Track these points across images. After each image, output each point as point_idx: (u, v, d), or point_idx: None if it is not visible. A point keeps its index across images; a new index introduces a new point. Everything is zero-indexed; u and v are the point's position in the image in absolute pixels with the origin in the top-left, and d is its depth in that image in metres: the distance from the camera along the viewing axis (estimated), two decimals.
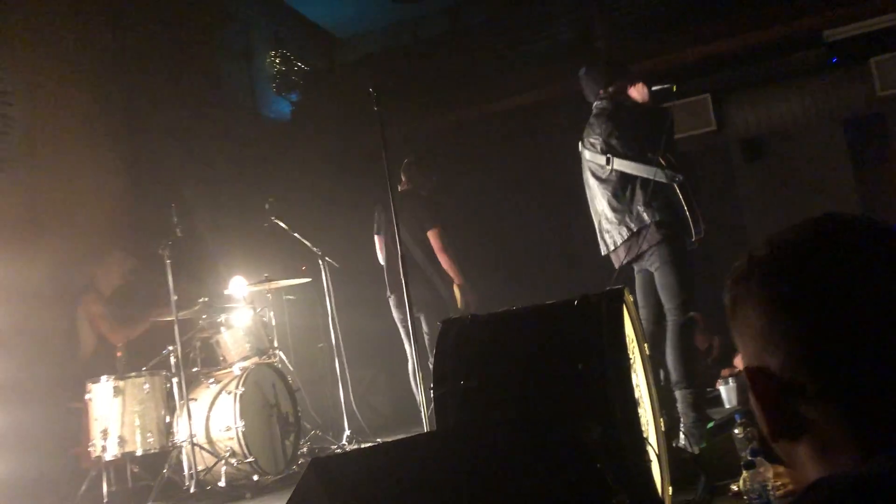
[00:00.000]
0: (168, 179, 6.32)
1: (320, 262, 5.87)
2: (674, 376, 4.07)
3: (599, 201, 4.30)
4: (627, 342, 2.52)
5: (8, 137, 5.65)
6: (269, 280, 5.57)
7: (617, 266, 4.24)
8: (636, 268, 4.32)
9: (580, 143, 4.40)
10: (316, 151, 8.23)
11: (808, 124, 7.62)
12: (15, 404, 4.66)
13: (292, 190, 7.16)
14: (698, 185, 8.16)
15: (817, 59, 7.66)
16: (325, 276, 5.88)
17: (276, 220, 5.79)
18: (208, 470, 4.69)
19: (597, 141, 4.27)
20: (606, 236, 4.29)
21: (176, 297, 4.79)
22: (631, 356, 2.50)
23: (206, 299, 5.17)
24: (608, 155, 4.22)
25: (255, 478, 4.72)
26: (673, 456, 2.99)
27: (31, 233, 5.58)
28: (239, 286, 5.57)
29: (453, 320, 2.79)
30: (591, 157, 4.31)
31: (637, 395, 2.48)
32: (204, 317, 5.16)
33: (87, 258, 5.46)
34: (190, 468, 4.63)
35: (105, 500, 4.57)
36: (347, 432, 5.68)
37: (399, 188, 5.53)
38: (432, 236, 5.31)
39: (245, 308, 5.41)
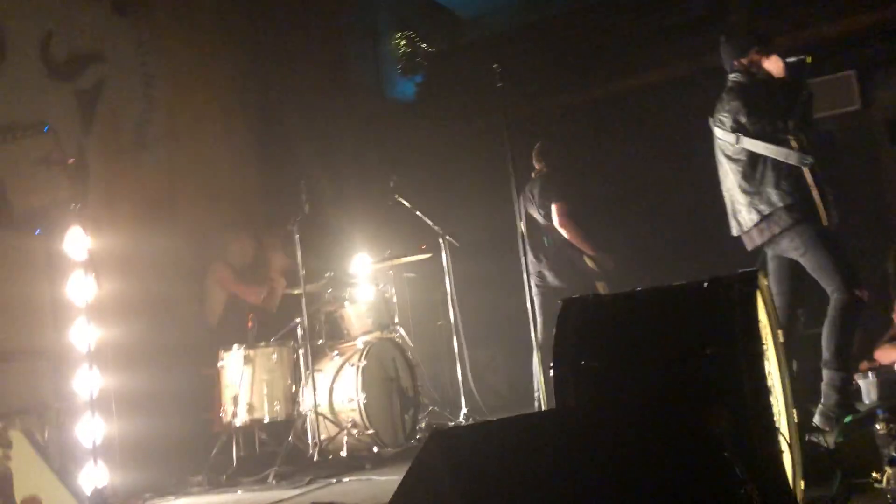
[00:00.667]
0: (297, 158, 6.53)
1: (441, 240, 5.92)
2: (825, 354, 3.90)
3: (730, 180, 4.14)
4: (760, 328, 2.40)
5: (152, 118, 5.99)
6: (391, 257, 5.67)
7: (750, 248, 4.06)
8: (769, 252, 4.12)
9: (710, 119, 4.23)
10: (439, 132, 8.28)
11: None
12: (153, 369, 4.94)
13: (415, 169, 7.24)
14: (840, 167, 7.70)
15: None
16: (446, 254, 5.93)
17: (399, 199, 5.88)
18: (331, 439, 4.84)
19: (726, 118, 4.10)
20: (738, 217, 4.13)
21: (304, 272, 4.95)
22: (764, 343, 2.38)
23: (332, 274, 5.32)
24: (737, 133, 4.05)
25: (375, 449, 4.84)
26: (806, 449, 2.84)
27: (169, 209, 5.91)
28: (362, 262, 5.70)
29: (574, 299, 2.74)
30: (721, 134, 4.15)
31: (769, 383, 2.36)
32: (329, 291, 5.32)
33: (221, 231, 5.72)
34: (314, 437, 4.79)
35: (234, 464, 4.80)
36: (464, 410, 5.73)
37: (532, 174, 5.67)
38: (555, 211, 5.42)
39: (368, 284, 5.53)
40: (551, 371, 2.59)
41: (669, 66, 7.49)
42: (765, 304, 2.60)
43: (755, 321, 2.37)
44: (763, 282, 2.60)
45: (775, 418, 2.33)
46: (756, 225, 4.01)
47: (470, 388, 5.81)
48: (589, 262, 5.44)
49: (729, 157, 4.12)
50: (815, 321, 5.81)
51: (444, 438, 2.16)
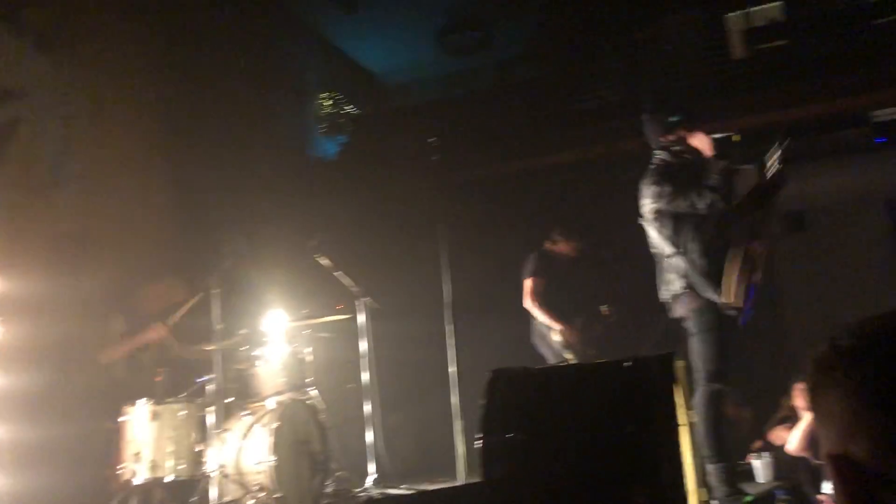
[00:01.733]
0: (217, 210, 6.46)
1: (360, 301, 5.93)
2: (704, 449, 4.01)
3: (656, 249, 4.35)
4: (676, 408, 2.53)
5: (67, 158, 5.84)
6: (308, 317, 5.63)
7: (670, 316, 4.28)
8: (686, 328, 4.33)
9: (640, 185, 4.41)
10: (360, 193, 8.36)
11: (851, 201, 7.61)
12: (52, 420, 4.72)
13: (336, 229, 7.26)
14: None
15: (864, 137, 7.68)
16: (363, 315, 5.93)
17: (320, 258, 5.88)
18: (235, 502, 4.70)
19: (646, 201, 4.31)
20: (663, 286, 4.33)
21: (220, 327, 4.86)
22: (679, 422, 2.51)
23: (247, 331, 5.24)
24: (654, 216, 4.26)
25: None
26: None
27: (80, 252, 5.71)
28: (278, 321, 5.63)
29: (502, 371, 2.82)
30: (643, 206, 4.33)
31: (684, 462, 2.48)
32: (243, 348, 5.22)
33: (137, 281, 5.56)
34: (218, 499, 4.64)
35: None
36: (374, 476, 5.67)
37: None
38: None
39: (282, 343, 5.46)
40: (476, 443, 2.64)
41: (586, 146, 7.84)
42: (680, 384, 2.74)
43: (672, 401, 2.50)
44: (679, 363, 2.74)
45: (688, 497, 2.45)
46: (674, 297, 4.23)
47: (379, 452, 5.76)
48: (555, 336, 5.86)
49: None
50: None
51: None
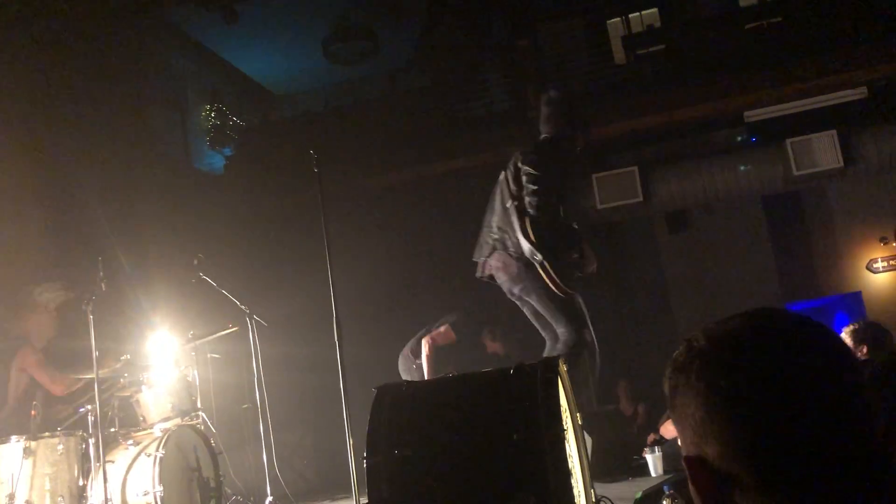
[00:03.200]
0: (93, 230, 6.15)
1: (248, 319, 5.75)
2: None
3: None
4: (561, 412, 2.54)
5: None
6: (195, 338, 5.42)
7: None
8: None
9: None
10: (247, 207, 8.15)
11: (729, 199, 7.96)
12: None
13: (222, 245, 7.04)
14: (624, 254, 8.40)
15: (739, 137, 8.06)
16: (252, 334, 5.76)
17: (204, 277, 5.67)
18: None
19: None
20: None
21: (97, 354, 4.61)
22: (564, 426, 2.52)
23: (128, 357, 4.99)
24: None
25: None
26: None
27: None
28: (162, 343, 5.40)
29: (387, 386, 2.77)
30: None
31: (570, 465, 2.49)
32: (125, 375, 4.98)
33: (12, 308, 5.23)
34: None
35: None
36: (270, 498, 5.50)
37: None
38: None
39: (168, 366, 5.23)
40: (364, 461, 2.58)
41: (475, 153, 7.91)
42: (564, 388, 2.76)
43: (557, 406, 2.51)
44: (563, 367, 2.76)
45: (576, 499, 2.45)
46: None
47: (276, 473, 5.60)
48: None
49: None
50: (609, 398, 6.21)
51: None
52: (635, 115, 7.77)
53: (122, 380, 4.98)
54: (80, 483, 4.61)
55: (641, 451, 5.46)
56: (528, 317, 4.73)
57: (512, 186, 4.58)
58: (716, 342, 0.91)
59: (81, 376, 4.87)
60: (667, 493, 2.83)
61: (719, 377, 0.88)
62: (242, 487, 5.73)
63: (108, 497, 4.46)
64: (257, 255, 7.43)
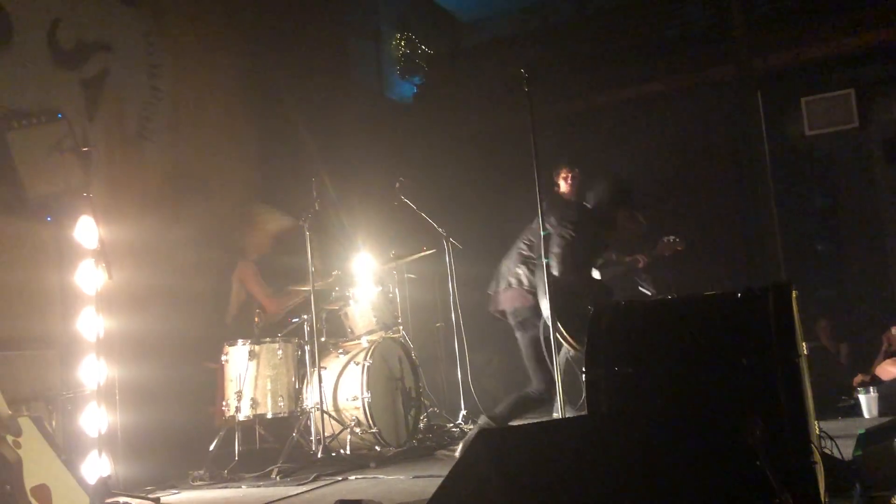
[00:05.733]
0: (300, 155, 6.51)
1: (444, 242, 5.94)
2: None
3: None
4: (797, 338, 2.44)
5: (155, 109, 5.94)
6: (395, 258, 5.67)
7: None
8: None
9: None
10: (439, 134, 8.30)
11: None
12: (157, 361, 4.91)
13: (416, 170, 7.25)
14: (835, 184, 7.80)
15: None
16: (448, 256, 5.94)
17: (405, 199, 5.89)
18: (334, 437, 4.83)
19: None
20: None
21: (313, 269, 4.94)
22: (800, 353, 2.42)
23: (338, 272, 5.31)
24: None
25: (377, 448, 4.84)
26: (824, 461, 2.88)
27: (172, 200, 5.85)
28: (366, 262, 5.69)
29: (605, 305, 2.78)
30: None
31: (805, 394, 2.40)
32: (336, 289, 5.31)
33: (234, 223, 5.67)
34: (317, 434, 4.78)
35: (235, 459, 4.77)
36: (463, 412, 5.75)
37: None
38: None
39: (371, 284, 5.53)
40: (583, 375, 2.61)
41: (671, 76, 7.57)
42: (796, 315, 2.64)
43: (792, 331, 2.41)
44: (794, 292, 2.63)
45: (810, 431, 2.37)
46: None
47: (469, 388, 5.83)
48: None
49: None
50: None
51: (490, 438, 2.18)
52: (851, 31, 7.11)
53: (333, 294, 5.32)
54: (297, 386, 5.02)
55: (848, 391, 5.19)
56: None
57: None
58: None
59: (298, 288, 5.23)
60: None
61: None
62: (436, 400, 6.01)
63: (322, 400, 4.83)
64: (450, 179, 7.59)
